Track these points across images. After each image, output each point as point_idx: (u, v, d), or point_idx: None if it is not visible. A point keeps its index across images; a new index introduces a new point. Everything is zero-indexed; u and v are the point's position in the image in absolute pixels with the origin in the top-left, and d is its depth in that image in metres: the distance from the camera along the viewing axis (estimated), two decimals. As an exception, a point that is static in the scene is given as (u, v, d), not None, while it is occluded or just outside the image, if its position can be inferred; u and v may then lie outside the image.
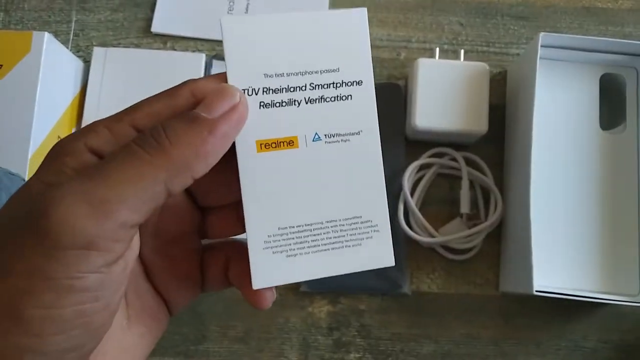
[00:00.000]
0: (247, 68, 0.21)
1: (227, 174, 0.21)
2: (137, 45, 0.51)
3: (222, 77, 0.21)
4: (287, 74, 0.21)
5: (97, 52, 0.48)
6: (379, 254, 0.22)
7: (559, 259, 0.46)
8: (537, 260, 0.40)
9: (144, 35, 0.51)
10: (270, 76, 0.21)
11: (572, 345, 0.47)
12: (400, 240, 0.46)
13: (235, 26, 0.21)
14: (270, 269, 0.21)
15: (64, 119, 0.46)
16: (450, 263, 0.47)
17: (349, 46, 0.22)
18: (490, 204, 0.47)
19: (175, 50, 0.50)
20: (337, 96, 0.22)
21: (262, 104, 0.21)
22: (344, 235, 0.22)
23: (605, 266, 0.46)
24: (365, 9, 0.22)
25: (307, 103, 0.21)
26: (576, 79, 0.48)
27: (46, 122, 0.44)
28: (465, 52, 0.48)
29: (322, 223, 0.22)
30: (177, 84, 0.20)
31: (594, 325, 0.47)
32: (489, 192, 0.47)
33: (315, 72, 0.22)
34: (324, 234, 0.22)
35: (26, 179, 0.40)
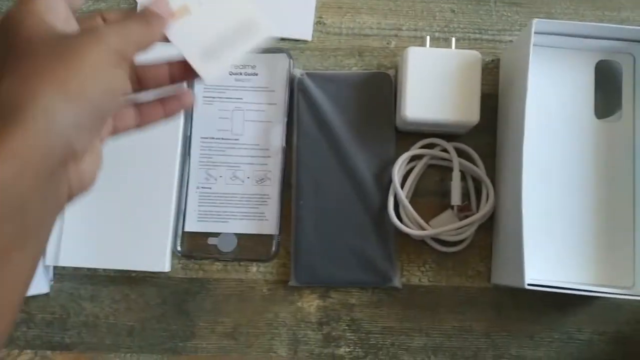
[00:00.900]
0: None
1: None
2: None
3: None
4: None
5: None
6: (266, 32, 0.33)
7: (553, 250, 0.45)
8: (530, 252, 0.39)
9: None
10: None
11: (566, 338, 0.46)
12: (390, 233, 0.46)
13: None
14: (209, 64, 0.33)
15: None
16: (442, 255, 0.47)
17: None
18: (482, 196, 0.46)
19: None
20: None
21: None
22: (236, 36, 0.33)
23: (600, 257, 0.45)
24: None
25: None
26: (571, 66, 0.47)
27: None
28: (456, 40, 0.46)
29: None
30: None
31: (589, 317, 0.46)
32: (480, 183, 0.46)
33: None
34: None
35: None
